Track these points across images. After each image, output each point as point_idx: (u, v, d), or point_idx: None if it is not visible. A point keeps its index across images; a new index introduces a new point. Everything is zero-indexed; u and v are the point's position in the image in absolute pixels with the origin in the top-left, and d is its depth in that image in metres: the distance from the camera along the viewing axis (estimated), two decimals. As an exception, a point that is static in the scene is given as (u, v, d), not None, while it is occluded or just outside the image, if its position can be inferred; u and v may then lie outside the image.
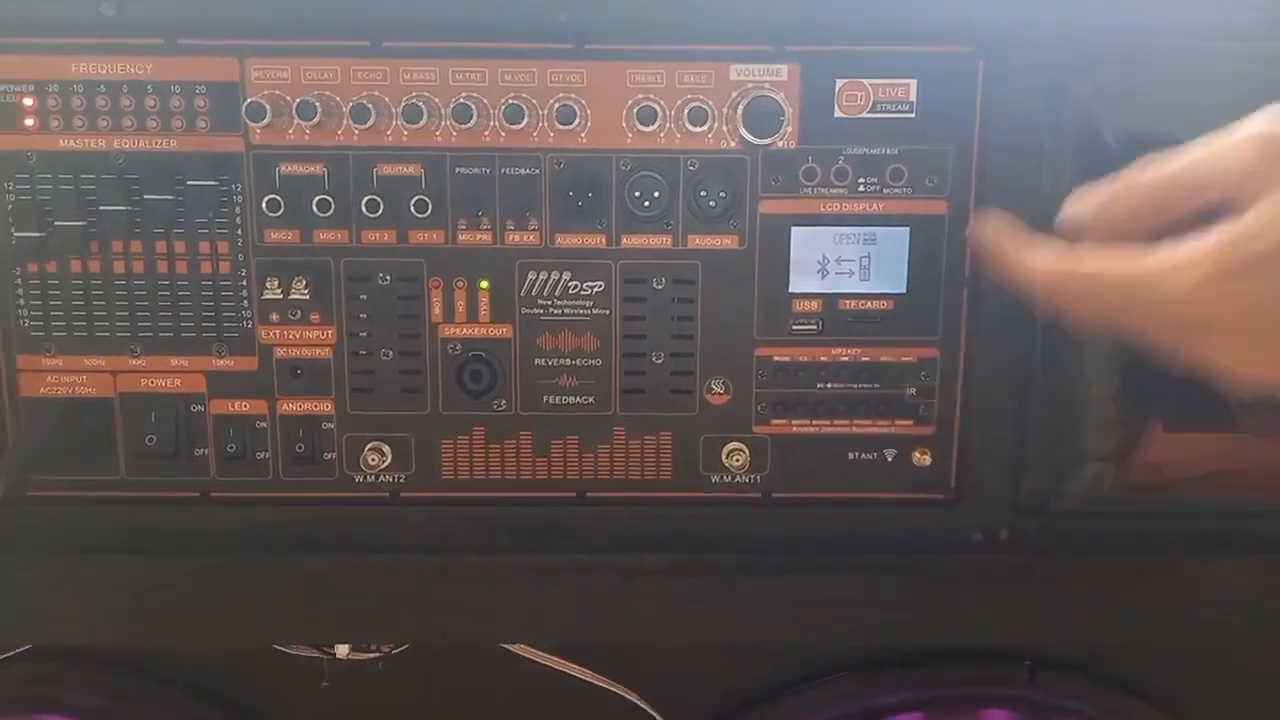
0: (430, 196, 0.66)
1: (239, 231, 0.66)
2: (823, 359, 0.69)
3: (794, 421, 0.70)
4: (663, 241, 0.67)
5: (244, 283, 0.67)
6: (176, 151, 0.65)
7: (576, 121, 0.65)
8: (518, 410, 0.69)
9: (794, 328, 0.68)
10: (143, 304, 0.67)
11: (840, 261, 0.67)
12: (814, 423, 0.70)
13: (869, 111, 0.65)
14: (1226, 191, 0.47)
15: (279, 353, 0.68)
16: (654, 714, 0.87)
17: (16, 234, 0.66)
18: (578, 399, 0.69)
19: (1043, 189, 0.65)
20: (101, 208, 0.65)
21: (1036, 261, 0.52)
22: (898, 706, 0.83)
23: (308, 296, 0.67)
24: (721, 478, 0.70)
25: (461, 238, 0.67)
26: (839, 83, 0.65)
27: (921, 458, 0.70)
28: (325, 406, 0.69)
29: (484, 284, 0.67)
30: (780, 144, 0.66)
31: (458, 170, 0.66)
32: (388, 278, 0.67)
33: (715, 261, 0.67)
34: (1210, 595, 0.73)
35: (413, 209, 0.66)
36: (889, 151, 0.66)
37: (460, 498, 0.70)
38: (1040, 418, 0.68)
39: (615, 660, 0.85)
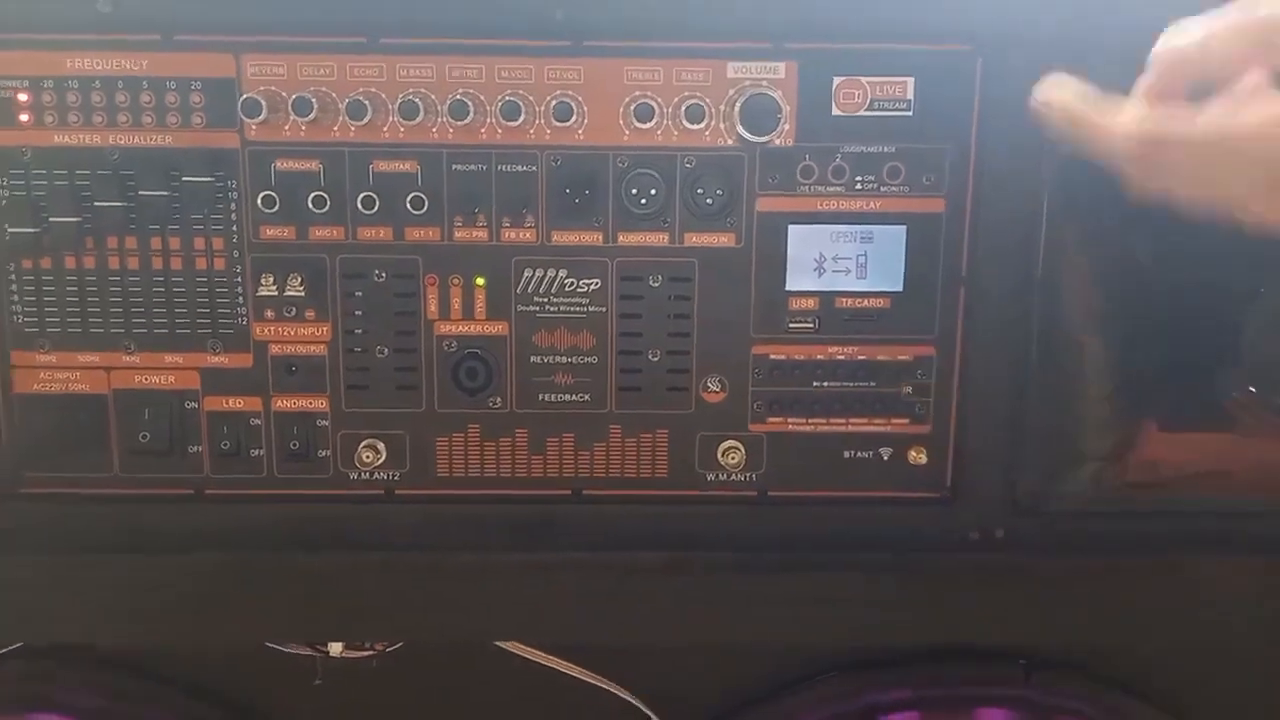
0: (426, 193, 0.66)
1: (234, 228, 0.66)
2: (819, 357, 0.69)
3: (790, 420, 0.69)
4: (659, 239, 0.67)
5: (239, 279, 0.67)
6: (172, 147, 0.65)
7: (573, 119, 0.65)
8: (513, 408, 0.69)
9: (790, 326, 0.68)
10: (137, 300, 0.67)
11: (837, 260, 0.67)
12: (810, 421, 0.69)
13: (866, 109, 0.65)
14: None
15: (274, 349, 0.68)
16: (649, 712, 0.87)
17: (11, 230, 0.65)
18: (573, 397, 0.69)
19: (1040, 188, 0.65)
20: (96, 204, 0.65)
21: (1120, 123, 0.49)
22: (893, 706, 0.83)
23: (303, 293, 0.67)
24: (717, 476, 0.70)
25: (458, 235, 0.67)
26: (836, 80, 0.65)
27: (918, 456, 0.70)
28: (320, 404, 0.69)
29: (480, 281, 0.67)
30: (777, 142, 0.66)
31: (454, 167, 0.66)
32: (383, 274, 0.67)
33: (712, 259, 0.67)
34: (1207, 594, 0.73)
35: (409, 206, 0.66)
36: (886, 150, 0.66)
37: (455, 495, 0.70)
38: (1037, 417, 0.68)
39: (610, 658, 0.85)
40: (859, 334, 0.68)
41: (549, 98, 0.65)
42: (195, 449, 0.69)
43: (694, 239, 0.67)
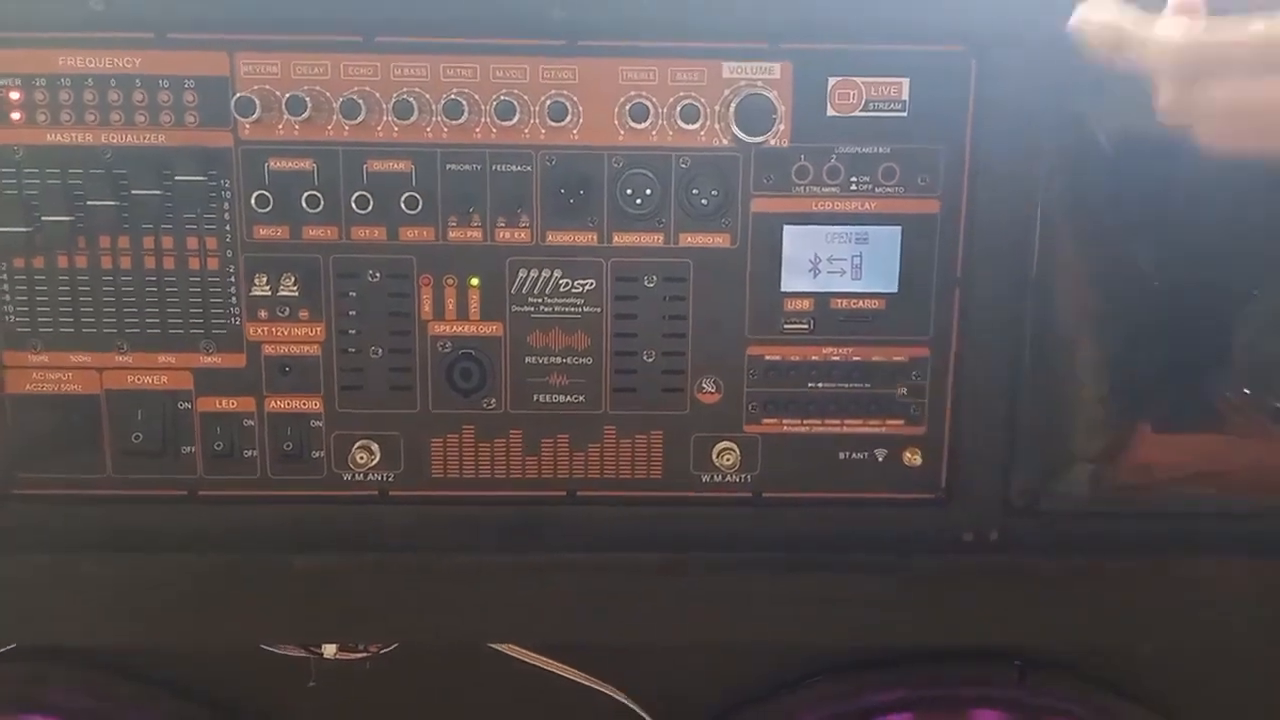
0: (421, 193, 0.66)
1: (227, 227, 0.66)
2: (814, 358, 0.69)
3: (785, 421, 0.69)
4: (654, 239, 0.67)
5: (232, 279, 0.67)
6: (165, 146, 0.65)
7: (568, 118, 0.64)
8: (508, 409, 0.69)
9: (785, 327, 0.68)
10: (130, 300, 0.67)
11: (832, 260, 0.67)
12: (805, 422, 0.69)
13: (861, 110, 0.65)
14: None
15: (267, 350, 0.68)
16: (643, 714, 0.87)
17: (2, 229, 0.65)
18: (568, 398, 0.69)
19: (1035, 189, 0.65)
20: (89, 203, 0.65)
21: (1165, 34, 0.49)
22: (887, 707, 0.83)
23: (296, 293, 0.67)
24: (712, 477, 0.70)
25: (452, 235, 0.66)
26: (831, 81, 0.65)
27: (912, 458, 0.70)
28: (314, 404, 0.69)
29: (474, 281, 0.67)
30: (772, 142, 0.66)
31: (448, 167, 0.65)
32: (377, 275, 0.67)
33: (707, 260, 0.67)
34: (1200, 596, 0.73)
35: (403, 205, 0.66)
36: (881, 150, 0.66)
37: (450, 496, 0.70)
38: (1031, 418, 0.68)
39: (605, 660, 0.85)
40: (854, 335, 0.68)
41: (544, 97, 0.65)
42: (188, 450, 0.69)
43: (689, 239, 0.67)
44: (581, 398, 0.69)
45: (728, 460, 0.69)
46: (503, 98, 0.64)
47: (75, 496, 0.69)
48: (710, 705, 0.88)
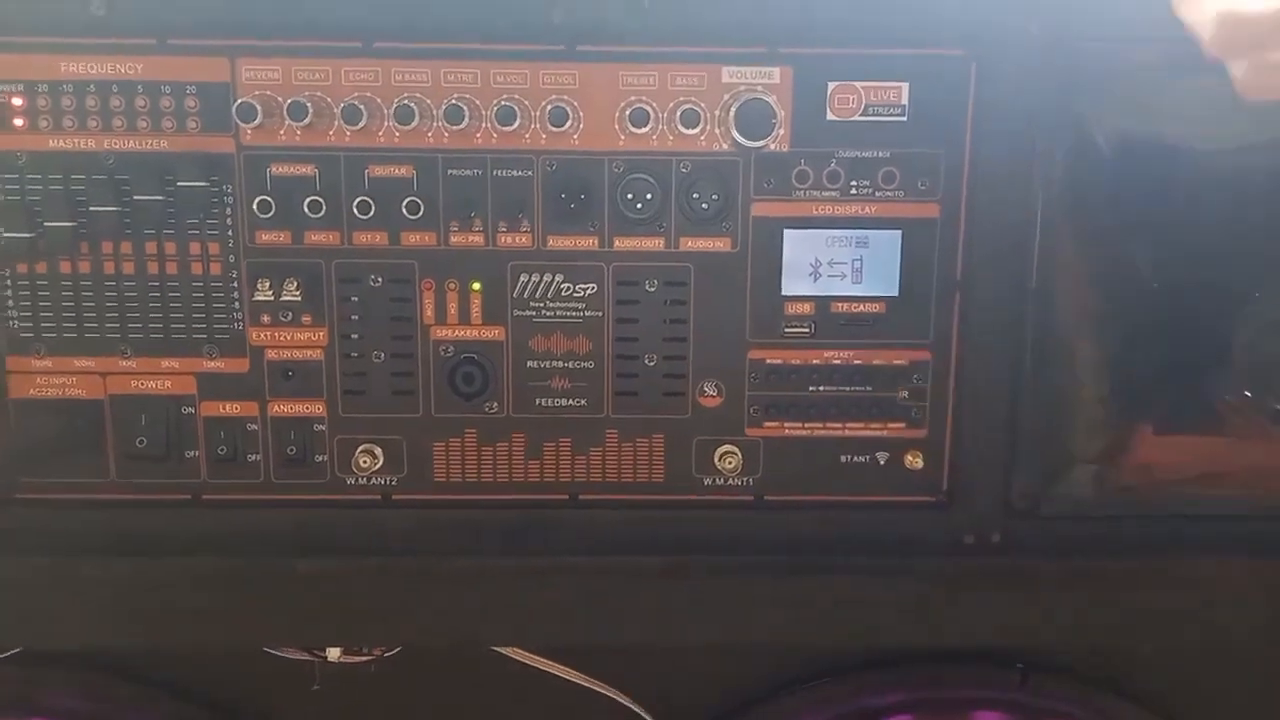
0: (422, 198, 0.66)
1: (230, 233, 0.66)
2: (815, 362, 0.69)
3: (786, 424, 0.70)
4: (655, 244, 0.67)
5: (235, 284, 0.67)
6: (167, 152, 0.65)
7: (569, 123, 0.65)
8: (510, 412, 0.69)
9: (786, 330, 0.68)
10: (133, 305, 0.67)
11: (832, 264, 0.67)
12: (806, 425, 0.70)
13: (861, 114, 0.65)
14: None
15: (270, 354, 0.68)
16: (644, 716, 0.87)
17: (5, 234, 0.65)
18: (570, 401, 0.69)
19: (1034, 193, 0.65)
20: (91, 208, 0.65)
21: (1201, 9, 0.50)
22: (889, 709, 0.83)
23: (299, 298, 0.67)
24: (714, 480, 0.70)
25: (453, 239, 0.67)
26: (831, 85, 0.65)
27: (913, 460, 0.70)
28: (317, 408, 0.69)
29: (476, 286, 0.67)
30: (772, 146, 0.66)
31: (450, 172, 0.66)
32: (379, 279, 0.67)
33: (707, 264, 0.67)
34: (1200, 597, 0.73)
35: (404, 210, 0.66)
36: (881, 155, 0.66)
37: (452, 500, 0.70)
38: (1032, 420, 0.68)
39: (607, 662, 0.85)
40: (855, 338, 0.68)
41: (544, 102, 0.65)
42: (192, 454, 0.69)
43: (689, 244, 0.67)
44: (583, 401, 0.69)
45: (729, 463, 0.69)
46: (503, 103, 0.64)
47: (79, 501, 0.69)
48: (711, 707, 0.88)
